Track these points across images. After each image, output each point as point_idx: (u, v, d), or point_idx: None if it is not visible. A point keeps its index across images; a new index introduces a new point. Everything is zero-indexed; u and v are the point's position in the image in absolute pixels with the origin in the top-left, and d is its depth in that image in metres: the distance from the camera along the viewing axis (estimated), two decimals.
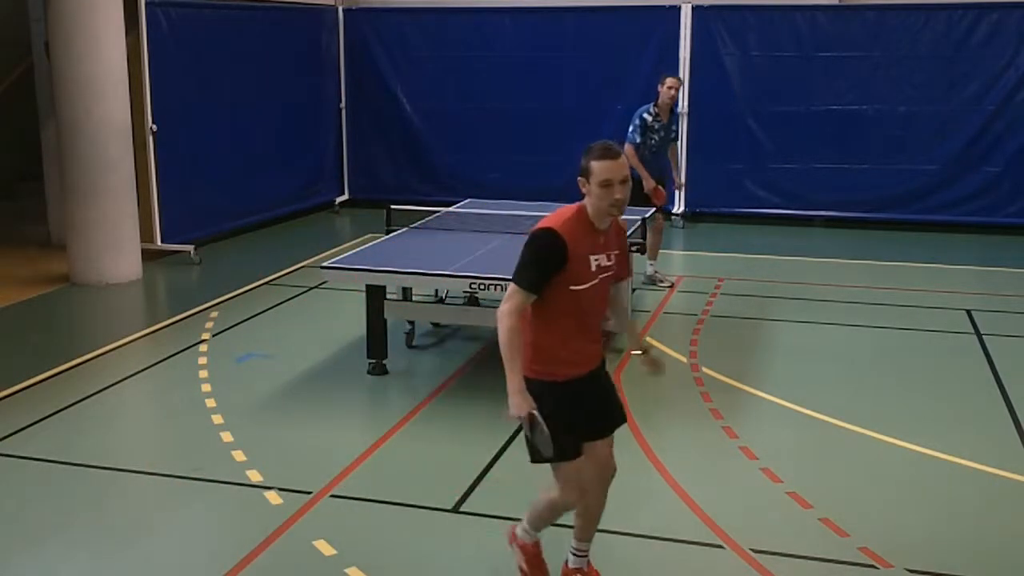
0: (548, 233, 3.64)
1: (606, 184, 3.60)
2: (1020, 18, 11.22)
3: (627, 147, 8.41)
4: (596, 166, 3.62)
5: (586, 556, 4.02)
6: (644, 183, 8.35)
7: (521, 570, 4.03)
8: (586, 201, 3.69)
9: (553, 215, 3.75)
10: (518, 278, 3.64)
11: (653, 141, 8.63)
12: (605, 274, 3.76)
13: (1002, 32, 11.27)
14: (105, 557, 4.43)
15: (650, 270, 8.90)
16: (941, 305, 8.52)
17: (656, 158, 8.71)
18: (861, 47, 11.62)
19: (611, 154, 3.63)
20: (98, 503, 4.89)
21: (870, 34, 11.59)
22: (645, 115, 8.62)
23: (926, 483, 5.17)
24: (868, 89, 11.66)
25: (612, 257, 3.79)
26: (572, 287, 3.64)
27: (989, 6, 11.29)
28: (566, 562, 4.05)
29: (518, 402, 3.52)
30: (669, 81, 8.65)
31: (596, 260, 3.71)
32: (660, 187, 8.50)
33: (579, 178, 3.68)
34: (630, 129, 8.62)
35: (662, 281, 8.89)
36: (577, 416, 3.75)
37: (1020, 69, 11.27)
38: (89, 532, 4.62)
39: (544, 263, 3.62)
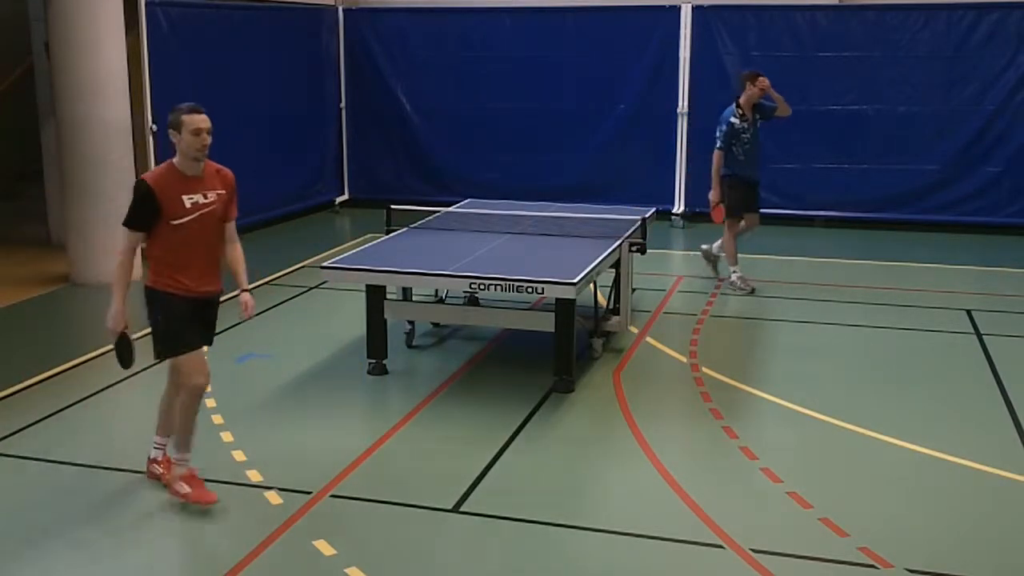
0: (139, 183, 4.58)
1: (196, 132, 4.52)
2: (1020, 18, 11.23)
3: (715, 153, 8.55)
4: (187, 119, 4.52)
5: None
6: (711, 195, 8.59)
7: (185, 496, 4.74)
8: (178, 152, 4.57)
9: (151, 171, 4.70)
10: (125, 222, 4.57)
11: (745, 143, 8.56)
12: (204, 210, 4.64)
13: (1002, 32, 11.27)
14: (105, 557, 4.43)
15: (733, 276, 8.81)
16: (941, 305, 8.53)
17: (751, 159, 8.64)
18: (861, 47, 11.62)
19: (199, 109, 4.58)
20: (98, 503, 4.89)
21: (870, 34, 11.60)
22: (732, 119, 8.49)
23: (926, 483, 5.17)
24: (868, 89, 11.67)
25: (210, 196, 4.65)
26: (172, 221, 4.53)
27: (989, 6, 11.29)
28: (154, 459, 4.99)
29: (116, 318, 4.59)
30: (761, 81, 8.52)
31: (191, 199, 4.60)
32: (721, 205, 8.59)
33: (170, 131, 4.54)
34: (717, 134, 8.57)
35: (743, 288, 8.73)
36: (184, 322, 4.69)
37: (1020, 69, 11.28)
38: (89, 532, 4.61)
39: (139, 206, 4.54)
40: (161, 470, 5.00)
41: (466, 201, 9.01)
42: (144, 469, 5.14)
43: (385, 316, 6.63)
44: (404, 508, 4.82)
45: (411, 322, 7.31)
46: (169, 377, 4.92)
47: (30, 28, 10.78)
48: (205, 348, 4.91)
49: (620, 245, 6.98)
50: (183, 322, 4.70)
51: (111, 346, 4.76)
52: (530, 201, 9.31)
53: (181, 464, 4.84)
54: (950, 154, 11.61)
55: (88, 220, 9.00)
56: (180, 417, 4.79)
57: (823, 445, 5.65)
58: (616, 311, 7.33)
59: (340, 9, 13.08)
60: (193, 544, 4.58)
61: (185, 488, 4.79)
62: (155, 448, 5.06)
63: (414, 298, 7.15)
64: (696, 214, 12.25)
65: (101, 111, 8.87)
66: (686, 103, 12.08)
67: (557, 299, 6.12)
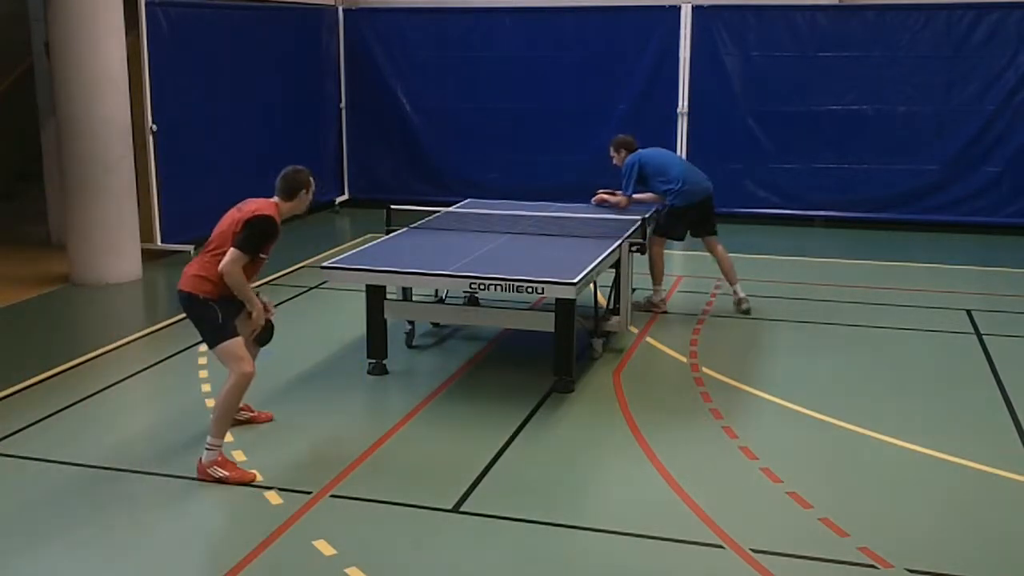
0: (271, 221, 5.16)
1: (313, 194, 5.43)
2: (1020, 18, 11.22)
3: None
4: (312, 181, 5.38)
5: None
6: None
7: (222, 479, 5.02)
8: (292, 205, 5.31)
9: (272, 207, 5.21)
10: (243, 247, 5.04)
11: None
12: None
13: (1002, 32, 11.27)
14: (105, 557, 4.43)
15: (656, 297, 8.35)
16: (941, 305, 8.53)
17: None
18: (861, 47, 11.62)
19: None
20: (98, 503, 4.89)
21: (870, 34, 11.60)
22: None
23: (926, 483, 5.17)
24: (868, 89, 11.66)
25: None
26: (262, 254, 5.20)
27: (989, 6, 11.29)
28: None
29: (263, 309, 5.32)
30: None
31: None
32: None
33: (300, 191, 5.32)
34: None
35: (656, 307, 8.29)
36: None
37: (1020, 69, 11.27)
38: (89, 532, 4.62)
39: (263, 239, 5.14)
40: (249, 414, 5.77)
41: (466, 201, 9.01)
42: (141, 468, 5.15)
43: (385, 316, 6.63)
44: (404, 508, 4.82)
45: (411, 322, 7.31)
46: (229, 368, 5.17)
47: (30, 28, 10.78)
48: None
49: (620, 245, 6.98)
50: (234, 317, 5.23)
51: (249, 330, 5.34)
52: (530, 201, 9.30)
53: (214, 449, 5.07)
54: (950, 154, 11.60)
55: (88, 220, 9.00)
56: (226, 403, 5.09)
57: (823, 445, 5.65)
58: (616, 311, 7.33)
59: (340, 9, 13.08)
60: (193, 544, 4.58)
61: (222, 472, 5.04)
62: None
63: (414, 298, 7.15)
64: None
65: (101, 111, 8.87)
66: (686, 103, 12.07)
67: (557, 299, 6.12)
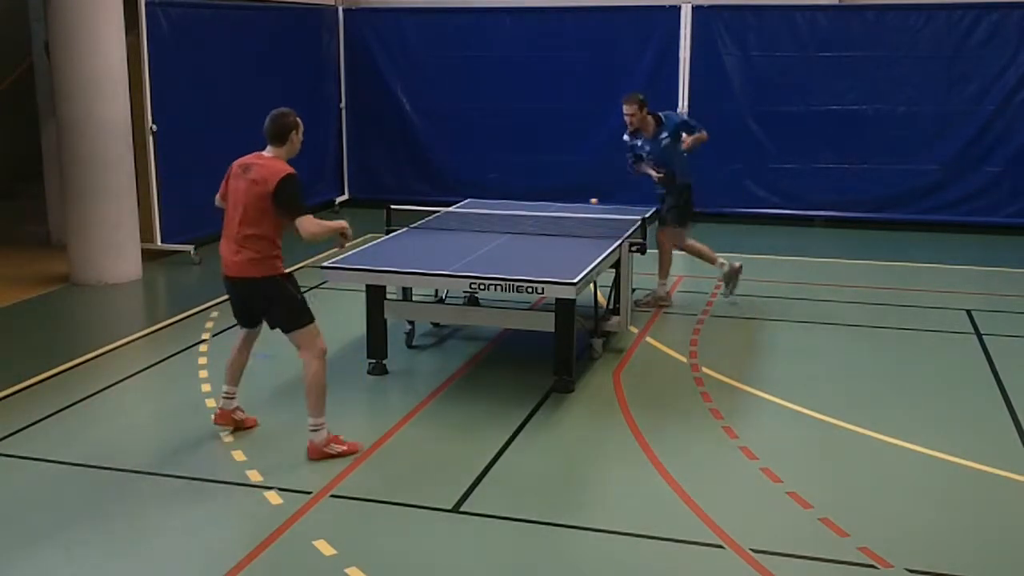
0: (295, 175, 5.11)
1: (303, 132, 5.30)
2: (1020, 18, 11.22)
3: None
4: (300, 120, 5.22)
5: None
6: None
7: (341, 453, 5.29)
8: (286, 149, 5.18)
9: (281, 164, 5.14)
10: (302, 210, 5.10)
11: (648, 156, 8.13)
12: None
13: (1002, 32, 11.27)
14: (105, 557, 4.43)
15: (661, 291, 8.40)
16: (941, 305, 8.53)
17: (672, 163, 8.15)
18: (861, 47, 11.62)
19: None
20: (98, 503, 4.89)
21: (870, 34, 11.60)
22: (624, 138, 8.21)
23: (926, 483, 5.17)
24: (868, 89, 11.66)
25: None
26: None
27: (989, 6, 11.29)
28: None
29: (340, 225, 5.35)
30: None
31: None
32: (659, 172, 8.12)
33: (291, 132, 5.15)
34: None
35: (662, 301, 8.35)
36: None
37: (1020, 69, 11.27)
38: (89, 532, 4.62)
39: (303, 192, 5.16)
40: (243, 415, 5.70)
41: (466, 201, 9.01)
42: (141, 468, 5.15)
43: (385, 316, 6.63)
44: (404, 508, 4.82)
45: (411, 322, 7.31)
46: (306, 350, 5.32)
47: (30, 28, 10.78)
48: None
49: (620, 245, 6.98)
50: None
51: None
52: (530, 201, 9.30)
53: (320, 429, 5.28)
54: (950, 154, 11.60)
55: (88, 220, 9.00)
56: (319, 383, 5.27)
57: (823, 445, 5.65)
58: (616, 311, 7.33)
59: (340, 9, 13.08)
60: (193, 544, 4.58)
61: (339, 447, 5.30)
62: (226, 398, 5.61)
63: (414, 298, 7.15)
64: (696, 214, 12.21)
65: (101, 111, 8.87)
66: (686, 103, 12.07)
67: (557, 299, 6.12)
